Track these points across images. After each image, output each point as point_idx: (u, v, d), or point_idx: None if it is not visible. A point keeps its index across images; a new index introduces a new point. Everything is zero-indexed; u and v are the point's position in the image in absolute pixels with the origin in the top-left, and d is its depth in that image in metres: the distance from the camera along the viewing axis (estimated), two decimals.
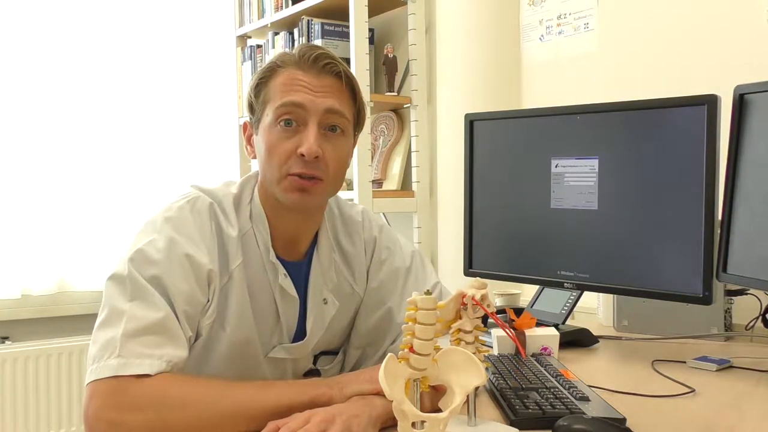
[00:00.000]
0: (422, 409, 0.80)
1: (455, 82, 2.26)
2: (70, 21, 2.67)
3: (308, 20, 2.45)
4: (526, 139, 1.60)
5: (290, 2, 2.54)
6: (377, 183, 2.48)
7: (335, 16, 2.41)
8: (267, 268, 1.08)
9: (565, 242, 1.52)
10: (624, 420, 0.96)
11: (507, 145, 1.64)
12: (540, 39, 2.17)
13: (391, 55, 2.47)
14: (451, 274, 2.17)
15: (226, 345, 1.05)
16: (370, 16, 2.33)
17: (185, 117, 2.91)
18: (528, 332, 1.31)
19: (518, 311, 1.52)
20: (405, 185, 2.49)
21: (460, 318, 0.91)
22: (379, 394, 0.84)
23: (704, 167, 1.31)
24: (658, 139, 1.38)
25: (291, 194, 1.03)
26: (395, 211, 2.46)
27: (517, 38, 2.24)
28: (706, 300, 1.32)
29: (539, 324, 1.37)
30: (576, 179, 1.50)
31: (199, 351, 1.04)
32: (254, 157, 1.11)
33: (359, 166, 2.24)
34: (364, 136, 2.25)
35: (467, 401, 0.91)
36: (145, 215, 1.06)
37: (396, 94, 2.49)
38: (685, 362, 1.34)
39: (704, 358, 1.33)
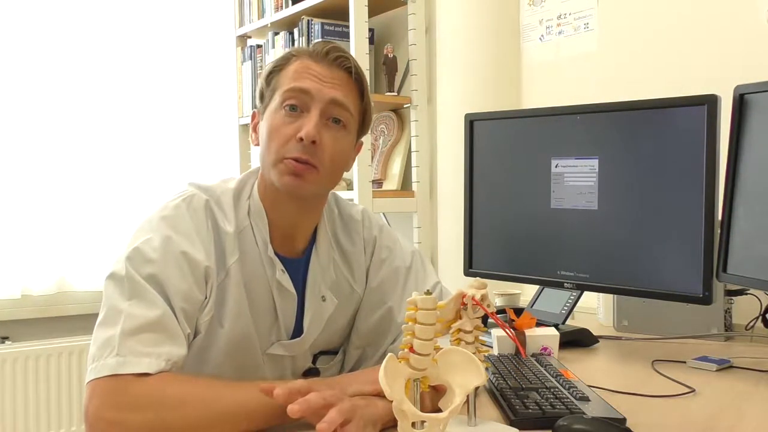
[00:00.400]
0: (422, 409, 0.80)
1: (455, 82, 2.26)
2: (70, 21, 2.67)
3: (308, 20, 2.45)
4: (526, 139, 1.60)
5: (290, 2, 2.55)
6: (377, 183, 2.48)
7: (335, 16, 2.41)
8: (265, 264, 1.09)
9: (565, 242, 1.52)
10: (624, 420, 0.96)
11: (507, 145, 1.64)
12: (540, 39, 2.17)
13: (391, 55, 2.47)
14: (451, 274, 2.17)
15: (224, 342, 1.05)
16: (370, 16, 2.33)
17: (185, 117, 2.91)
18: (528, 332, 1.31)
19: (518, 311, 1.52)
20: (405, 185, 2.49)
21: (460, 318, 0.91)
22: (380, 394, 0.84)
23: (704, 167, 1.31)
24: (658, 139, 1.38)
25: (285, 177, 1.04)
26: (395, 211, 2.46)
27: (517, 38, 2.24)
28: (706, 300, 1.32)
29: (539, 324, 1.37)
30: (576, 179, 1.50)
31: (197, 348, 1.04)
32: (257, 144, 1.12)
33: (359, 166, 2.24)
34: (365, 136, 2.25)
35: (467, 401, 0.91)
36: (145, 215, 1.07)
37: (396, 94, 2.49)
38: (685, 362, 1.34)
39: (704, 358, 1.33)
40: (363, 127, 1.14)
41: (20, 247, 2.56)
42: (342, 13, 2.34)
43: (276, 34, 2.68)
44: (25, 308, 2.59)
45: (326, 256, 1.16)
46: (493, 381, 1.11)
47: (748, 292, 1.56)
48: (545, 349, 1.30)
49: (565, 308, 1.58)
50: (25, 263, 2.58)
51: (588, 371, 1.30)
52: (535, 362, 1.22)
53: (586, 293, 1.56)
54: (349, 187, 2.31)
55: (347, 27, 2.35)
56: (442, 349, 0.82)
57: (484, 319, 0.92)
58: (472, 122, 1.70)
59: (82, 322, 2.64)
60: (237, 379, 0.99)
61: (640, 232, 1.41)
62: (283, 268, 1.10)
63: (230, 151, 2.97)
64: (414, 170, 2.44)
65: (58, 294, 2.65)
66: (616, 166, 1.44)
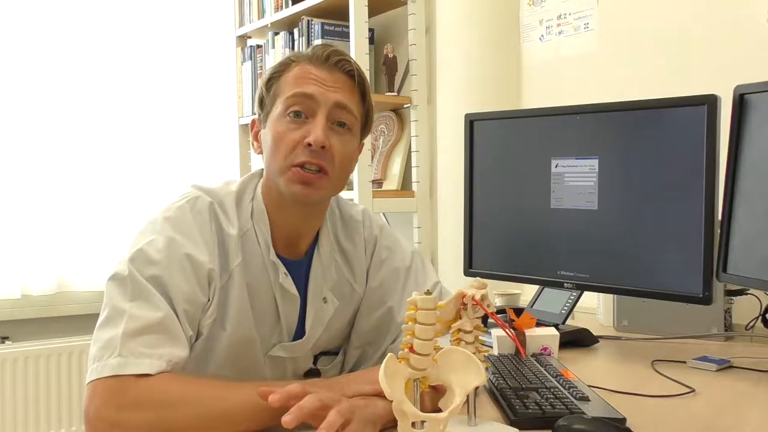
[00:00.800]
0: (422, 409, 0.80)
1: (455, 82, 2.26)
2: (70, 21, 2.67)
3: (308, 20, 2.45)
4: (526, 139, 1.60)
5: (290, 2, 2.54)
6: (377, 183, 2.48)
7: (335, 16, 2.41)
8: (267, 267, 1.09)
9: (565, 242, 1.52)
10: (624, 420, 0.96)
11: (507, 145, 1.64)
12: (540, 39, 2.17)
13: (391, 55, 2.47)
14: (451, 274, 2.17)
15: (226, 344, 1.05)
16: (370, 16, 2.33)
17: (185, 117, 2.90)
18: (528, 332, 1.31)
19: (518, 311, 1.52)
20: (405, 185, 2.49)
21: (460, 318, 0.91)
22: (380, 394, 0.84)
23: (704, 167, 1.31)
24: (658, 139, 1.38)
25: (294, 186, 1.03)
26: (395, 211, 2.46)
27: (517, 38, 2.24)
28: (706, 300, 1.32)
29: (539, 324, 1.37)
30: (576, 179, 1.50)
31: (199, 350, 1.04)
32: (260, 152, 1.12)
33: (359, 166, 2.23)
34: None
35: (467, 401, 0.91)
36: (146, 215, 1.07)
37: (396, 94, 2.49)
38: (685, 362, 1.34)
39: (704, 358, 1.33)
40: (365, 128, 1.14)
41: (20, 247, 2.56)
42: (342, 13, 2.34)
43: (276, 34, 2.68)
44: (25, 308, 2.59)
45: (328, 258, 1.16)
46: (493, 381, 1.11)
47: (748, 292, 1.56)
48: (545, 349, 1.30)
49: (565, 308, 1.58)
50: (25, 263, 2.58)
51: (588, 371, 1.30)
52: (535, 362, 1.22)
53: (586, 293, 1.56)
54: (349, 187, 2.31)
55: (347, 27, 2.35)
56: (442, 349, 0.83)
57: (484, 319, 0.92)
58: (472, 122, 1.70)
59: (82, 322, 2.64)
60: (238, 380, 0.99)
61: (640, 232, 1.41)
62: (286, 272, 1.10)
63: (230, 151, 2.97)
64: (414, 170, 2.44)
65: (58, 294, 2.65)
66: (616, 166, 1.44)
